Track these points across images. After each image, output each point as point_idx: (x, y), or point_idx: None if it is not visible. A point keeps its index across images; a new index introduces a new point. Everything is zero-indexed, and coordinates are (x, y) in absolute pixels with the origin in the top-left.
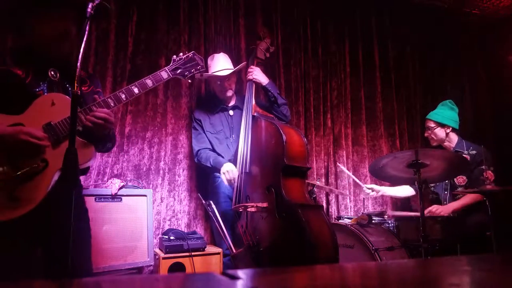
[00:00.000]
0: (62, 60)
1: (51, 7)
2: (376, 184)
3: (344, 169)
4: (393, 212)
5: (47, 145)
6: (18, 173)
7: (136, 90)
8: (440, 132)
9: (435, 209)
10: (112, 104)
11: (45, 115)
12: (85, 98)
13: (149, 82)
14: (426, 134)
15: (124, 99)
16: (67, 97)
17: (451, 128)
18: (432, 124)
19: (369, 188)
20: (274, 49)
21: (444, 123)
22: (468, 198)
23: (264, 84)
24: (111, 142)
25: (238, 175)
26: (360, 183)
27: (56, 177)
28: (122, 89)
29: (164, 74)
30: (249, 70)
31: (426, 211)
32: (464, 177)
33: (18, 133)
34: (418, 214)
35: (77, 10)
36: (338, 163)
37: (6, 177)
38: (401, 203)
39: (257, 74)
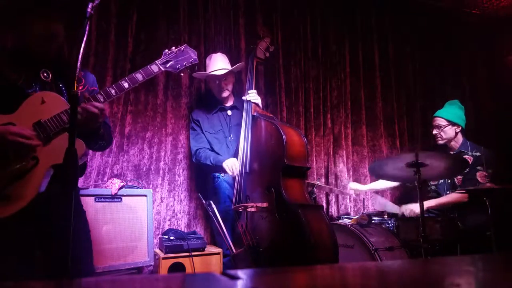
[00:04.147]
0: (53, 61)
1: (36, 9)
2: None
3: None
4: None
5: (36, 143)
6: (8, 171)
7: (126, 85)
8: (450, 131)
9: (407, 212)
10: (101, 100)
11: (36, 113)
12: (80, 98)
13: (139, 76)
14: (434, 132)
15: (114, 94)
16: (57, 94)
17: (460, 128)
18: (443, 122)
19: (352, 189)
20: (274, 48)
21: (455, 122)
22: (449, 198)
23: (254, 113)
24: (104, 140)
25: (238, 175)
26: (345, 183)
27: (47, 174)
28: (112, 85)
29: (155, 67)
30: (249, 93)
31: (400, 214)
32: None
33: (6, 133)
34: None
35: (64, 11)
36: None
37: None
38: (399, 203)
39: (259, 102)
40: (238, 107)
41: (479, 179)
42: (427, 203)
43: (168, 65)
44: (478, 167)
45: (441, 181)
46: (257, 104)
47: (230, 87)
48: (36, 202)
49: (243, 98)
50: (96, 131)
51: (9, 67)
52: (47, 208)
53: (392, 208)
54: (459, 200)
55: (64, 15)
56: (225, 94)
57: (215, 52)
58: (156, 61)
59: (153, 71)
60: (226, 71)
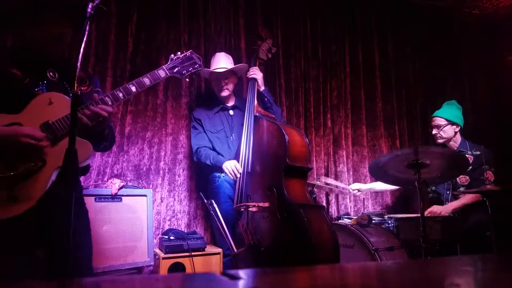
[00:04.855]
0: (60, 61)
1: (44, 10)
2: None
3: (328, 180)
4: (393, 215)
5: (45, 145)
6: (16, 172)
7: (133, 89)
8: (449, 130)
9: (435, 209)
10: (109, 102)
11: (43, 114)
12: (84, 98)
13: (146, 80)
14: (433, 132)
15: (122, 97)
16: (65, 96)
17: (459, 127)
18: (442, 122)
19: (355, 189)
20: (276, 49)
21: (454, 121)
22: (468, 198)
23: (261, 89)
24: (107, 141)
25: (240, 174)
26: (345, 186)
27: (54, 175)
28: (120, 88)
29: (162, 72)
30: (251, 69)
31: (426, 212)
32: (467, 177)
33: (18, 135)
34: (417, 215)
35: (72, 12)
36: (318, 180)
37: (4, 175)
38: (399, 203)
39: (260, 77)
40: (240, 107)
41: (488, 177)
42: (453, 206)
43: (174, 71)
44: (484, 167)
45: None
46: (258, 87)
47: (230, 86)
48: (41, 202)
49: (248, 75)
50: (101, 133)
51: (15, 66)
52: (48, 208)
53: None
54: (477, 199)
55: (71, 16)
56: (225, 93)
57: (220, 51)
58: (163, 66)
59: (160, 76)
60: (225, 69)
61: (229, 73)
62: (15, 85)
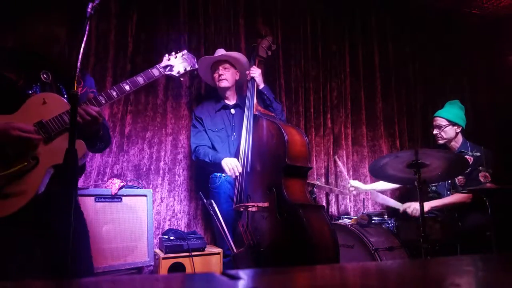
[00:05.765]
0: (56, 61)
1: (38, 11)
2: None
3: (339, 162)
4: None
5: (38, 139)
6: (8, 170)
7: (127, 88)
8: (450, 131)
9: (414, 211)
10: (103, 101)
11: (37, 113)
12: (80, 98)
13: (140, 79)
14: (434, 132)
15: (115, 96)
16: (58, 96)
17: (461, 128)
18: (443, 122)
19: (352, 186)
20: (275, 47)
21: (455, 122)
22: (453, 198)
23: (260, 87)
24: (103, 142)
25: (240, 175)
26: (347, 178)
27: (48, 174)
28: (114, 87)
29: (156, 71)
30: (251, 69)
31: (402, 209)
32: (464, 178)
33: (9, 129)
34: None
35: (67, 13)
36: (336, 157)
37: None
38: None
39: (257, 74)
40: (241, 106)
41: (481, 179)
42: (431, 203)
43: (167, 70)
44: (480, 168)
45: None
46: (257, 84)
47: (228, 77)
48: (35, 201)
49: (248, 76)
50: (96, 133)
51: (9, 67)
52: (46, 208)
53: (394, 204)
54: (463, 201)
55: (66, 17)
56: (223, 84)
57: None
58: (157, 65)
59: (154, 74)
60: (220, 55)
61: (227, 63)
62: (9, 87)
